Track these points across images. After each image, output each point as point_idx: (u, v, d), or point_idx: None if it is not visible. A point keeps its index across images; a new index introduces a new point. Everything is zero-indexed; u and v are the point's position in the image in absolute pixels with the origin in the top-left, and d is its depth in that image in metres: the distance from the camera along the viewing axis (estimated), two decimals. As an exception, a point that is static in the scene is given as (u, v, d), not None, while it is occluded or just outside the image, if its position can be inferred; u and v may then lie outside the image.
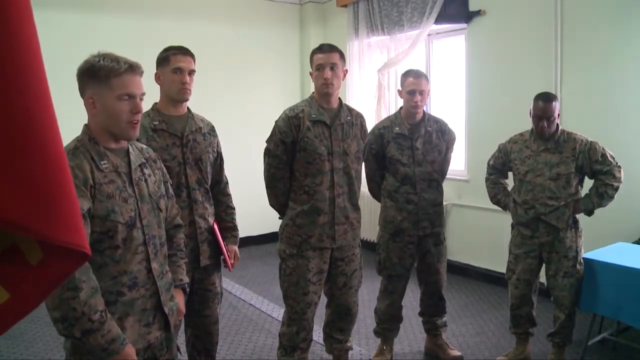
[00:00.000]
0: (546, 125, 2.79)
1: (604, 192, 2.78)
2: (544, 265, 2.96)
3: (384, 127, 3.03)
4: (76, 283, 1.39)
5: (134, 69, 1.53)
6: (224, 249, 2.44)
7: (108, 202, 1.49)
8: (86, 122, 1.60)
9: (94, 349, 1.46)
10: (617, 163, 2.80)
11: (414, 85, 2.90)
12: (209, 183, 2.45)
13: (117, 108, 1.51)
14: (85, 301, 1.41)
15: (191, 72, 2.33)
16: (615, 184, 2.77)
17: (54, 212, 0.86)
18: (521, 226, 2.95)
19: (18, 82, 0.83)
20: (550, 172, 2.82)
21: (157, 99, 2.38)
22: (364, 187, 2.96)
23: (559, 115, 2.87)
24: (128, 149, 1.62)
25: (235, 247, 2.54)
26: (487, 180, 3.14)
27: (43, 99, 0.86)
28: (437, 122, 3.05)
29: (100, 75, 1.49)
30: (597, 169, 2.79)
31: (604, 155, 2.79)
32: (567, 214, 2.82)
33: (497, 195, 3.09)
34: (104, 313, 1.45)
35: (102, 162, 1.51)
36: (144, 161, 1.68)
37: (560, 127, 2.88)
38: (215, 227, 2.45)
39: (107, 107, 1.50)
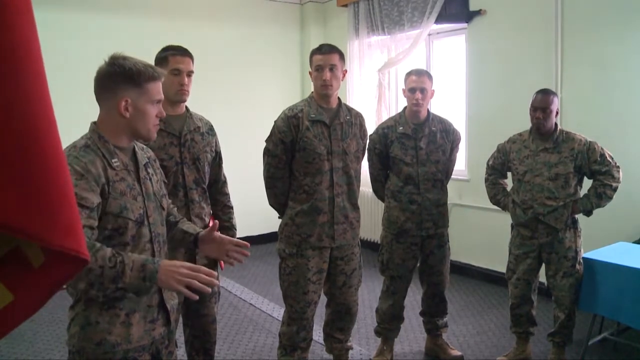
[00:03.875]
0: (541, 117, 2.78)
1: (603, 192, 2.77)
2: (543, 264, 2.96)
3: (387, 127, 3.02)
4: None
5: (162, 76, 1.60)
6: None
7: (121, 199, 1.52)
8: (87, 121, 1.60)
9: (138, 287, 1.46)
10: (616, 163, 2.79)
11: (415, 83, 2.90)
12: (207, 182, 2.45)
13: (149, 112, 1.57)
14: (95, 258, 1.38)
15: (189, 73, 2.33)
16: (614, 184, 2.76)
17: (52, 217, 0.86)
18: (520, 227, 2.95)
19: (17, 86, 0.82)
20: (549, 172, 2.82)
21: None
22: (363, 187, 2.96)
23: (557, 114, 2.86)
24: (134, 149, 1.65)
25: None
26: (486, 180, 3.14)
27: (43, 103, 0.86)
28: (442, 122, 3.04)
29: (138, 80, 1.53)
30: (596, 169, 2.78)
31: (602, 155, 2.78)
32: (565, 215, 2.81)
33: (497, 195, 3.09)
34: (116, 254, 1.43)
35: (113, 160, 1.54)
36: (147, 161, 1.71)
37: (559, 127, 2.88)
38: (212, 226, 2.44)
39: (140, 110, 1.55)
